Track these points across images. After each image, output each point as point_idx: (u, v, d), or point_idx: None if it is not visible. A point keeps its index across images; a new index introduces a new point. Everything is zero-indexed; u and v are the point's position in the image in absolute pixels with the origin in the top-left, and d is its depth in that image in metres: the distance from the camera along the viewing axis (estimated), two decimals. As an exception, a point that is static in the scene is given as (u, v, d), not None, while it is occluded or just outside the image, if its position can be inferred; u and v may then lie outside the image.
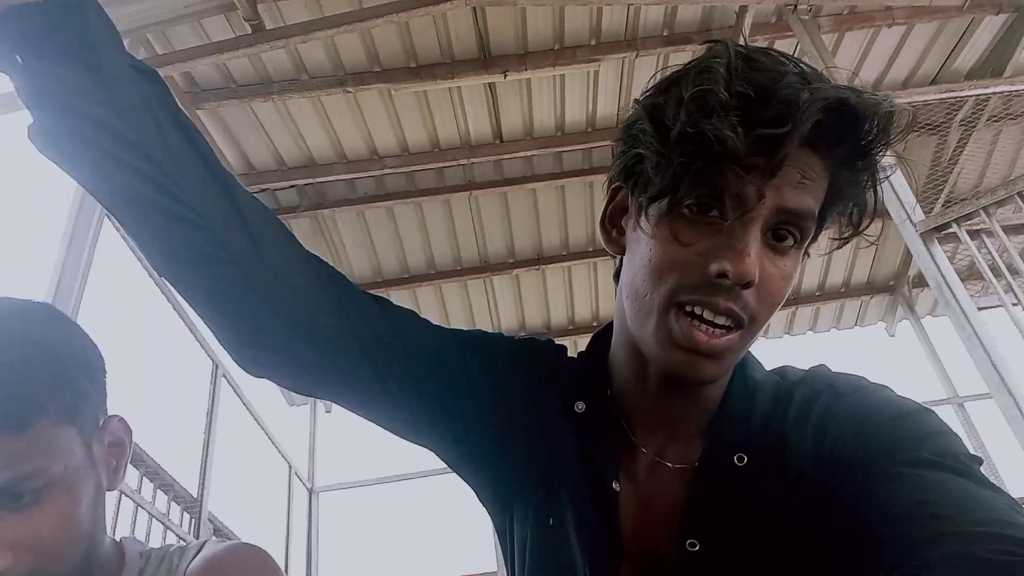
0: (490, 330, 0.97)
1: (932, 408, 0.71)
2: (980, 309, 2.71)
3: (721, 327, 0.67)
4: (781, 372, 0.82)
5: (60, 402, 0.78)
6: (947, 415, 5.84)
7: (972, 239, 2.87)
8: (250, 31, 3.73)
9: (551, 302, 6.60)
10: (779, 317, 6.91)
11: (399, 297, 6.16)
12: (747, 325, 0.69)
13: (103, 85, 0.64)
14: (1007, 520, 0.55)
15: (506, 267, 6.18)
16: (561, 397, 0.84)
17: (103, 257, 3.24)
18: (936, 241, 2.81)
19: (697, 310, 0.67)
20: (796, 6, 3.90)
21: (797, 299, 6.79)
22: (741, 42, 0.71)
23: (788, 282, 0.70)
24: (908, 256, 6.37)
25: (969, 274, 4.13)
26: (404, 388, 0.82)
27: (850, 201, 0.72)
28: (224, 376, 4.55)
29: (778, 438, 0.74)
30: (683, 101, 0.65)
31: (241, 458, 4.84)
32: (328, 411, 6.85)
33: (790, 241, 0.69)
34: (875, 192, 0.72)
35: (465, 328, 0.91)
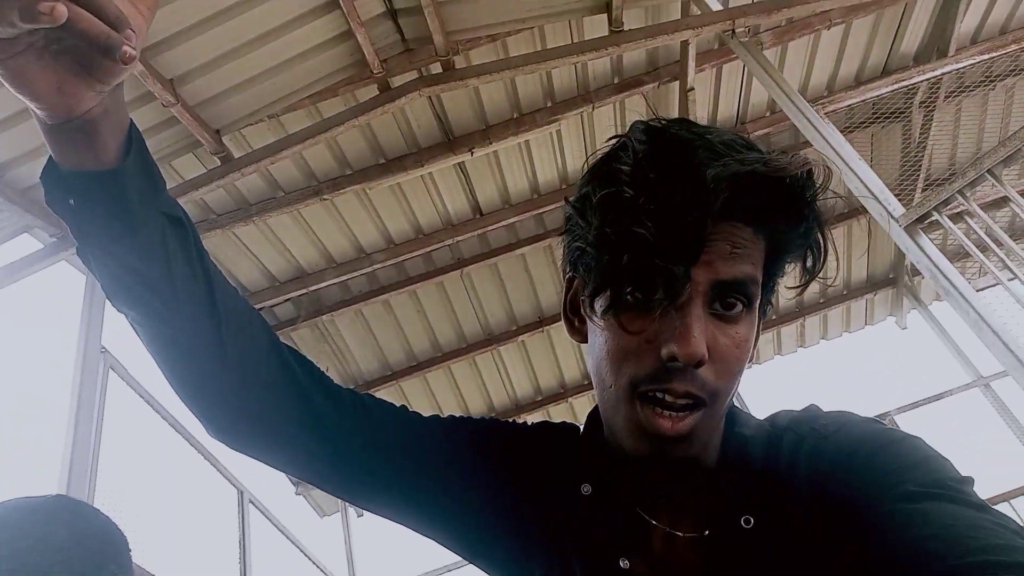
0: (503, 408, 0.96)
1: (920, 437, 0.72)
2: (979, 290, 2.70)
3: (683, 409, 0.68)
4: (772, 420, 0.83)
5: None
6: (975, 399, 5.77)
7: (956, 223, 2.88)
8: (219, 163, 3.82)
9: (562, 361, 6.59)
10: (789, 332, 6.88)
11: (411, 386, 6.18)
12: (708, 402, 0.69)
13: (129, 231, 0.67)
14: (1002, 545, 0.55)
15: (510, 335, 6.20)
16: (568, 481, 0.84)
17: (113, 408, 3.25)
18: (921, 232, 2.83)
19: (658, 396, 0.68)
20: (734, 30, 4.00)
21: (802, 310, 6.78)
22: (653, 114, 0.74)
23: (744, 348, 0.71)
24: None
25: (964, 255, 4.13)
26: (410, 485, 0.84)
27: (799, 251, 0.73)
28: (251, 502, 4.51)
29: (776, 492, 0.75)
30: (593, 206, 0.69)
31: (281, 577, 4.76)
32: (360, 515, 6.75)
33: (738, 308, 0.70)
34: (823, 237, 0.72)
35: (469, 416, 0.93)
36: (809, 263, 0.74)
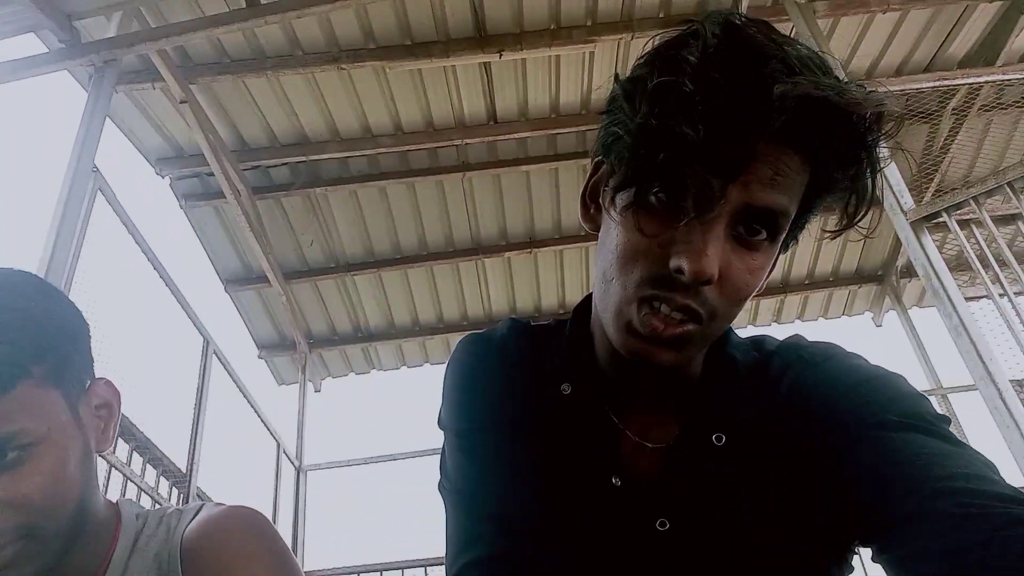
0: (475, 319, 0.93)
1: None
2: (967, 299, 2.74)
3: (678, 322, 0.66)
4: (759, 345, 0.83)
5: (42, 365, 0.80)
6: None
7: (961, 229, 2.89)
8: (245, 5, 3.69)
9: (543, 286, 6.61)
10: (768, 305, 6.96)
11: (390, 278, 6.19)
12: (706, 320, 0.67)
13: None
14: (971, 473, 0.57)
15: (498, 250, 6.18)
16: (551, 377, 0.83)
17: (96, 230, 3.23)
18: (926, 230, 2.83)
19: (655, 304, 0.66)
20: (793, -9, 3.89)
21: (786, 287, 6.83)
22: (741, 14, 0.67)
23: (757, 276, 0.68)
24: (897, 246, 6.41)
25: (957, 265, 4.17)
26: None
27: (842, 193, 0.68)
28: (215, 353, 4.55)
29: (756, 414, 0.75)
30: (646, 91, 0.64)
31: (230, 435, 4.86)
32: (318, 390, 6.87)
33: (762, 235, 0.66)
34: (872, 184, 0.67)
35: (447, 391, 0.90)
36: (849, 208, 0.68)
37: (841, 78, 0.64)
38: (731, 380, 0.78)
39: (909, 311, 6.74)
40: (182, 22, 3.85)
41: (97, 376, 0.91)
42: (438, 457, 0.93)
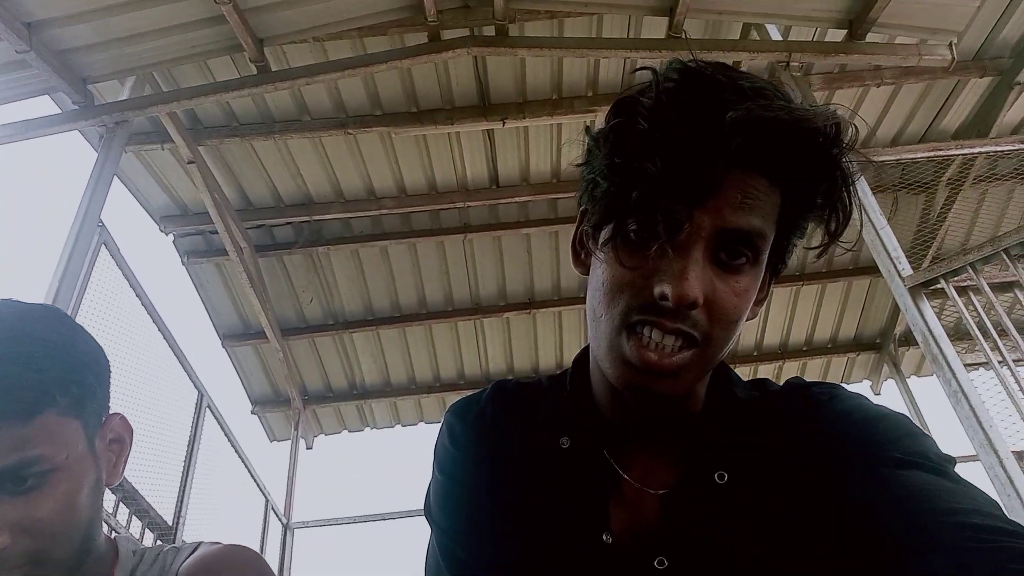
0: (472, 378, 0.92)
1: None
2: (967, 366, 2.74)
3: (673, 348, 0.67)
4: (761, 385, 0.83)
5: (67, 395, 0.82)
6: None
7: (960, 296, 2.91)
8: (255, 72, 3.80)
9: (541, 346, 6.61)
10: (766, 371, 6.94)
11: (389, 336, 6.20)
12: (701, 343, 0.68)
13: None
14: (976, 509, 0.57)
15: (497, 310, 6.21)
16: (548, 432, 0.83)
17: (98, 283, 3.25)
18: (924, 296, 2.85)
19: (646, 331, 0.67)
20: (788, 63, 4.01)
21: (784, 353, 6.84)
22: (695, 56, 0.70)
23: (744, 298, 0.69)
24: (895, 314, 6.44)
25: (956, 333, 4.18)
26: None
27: (821, 211, 0.70)
28: (208, 407, 4.52)
29: (760, 453, 0.75)
30: (605, 135, 0.68)
31: (219, 489, 4.78)
32: (310, 447, 6.79)
33: (743, 260, 0.68)
34: (848, 197, 0.69)
35: (437, 450, 0.88)
36: (832, 226, 0.70)
37: (794, 101, 0.66)
38: (733, 417, 0.78)
39: (908, 380, 6.72)
40: (193, 87, 3.96)
41: (112, 411, 0.93)
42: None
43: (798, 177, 0.67)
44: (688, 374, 0.70)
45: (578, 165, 0.78)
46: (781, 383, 0.85)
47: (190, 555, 0.93)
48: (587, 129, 0.76)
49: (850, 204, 0.69)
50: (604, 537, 0.75)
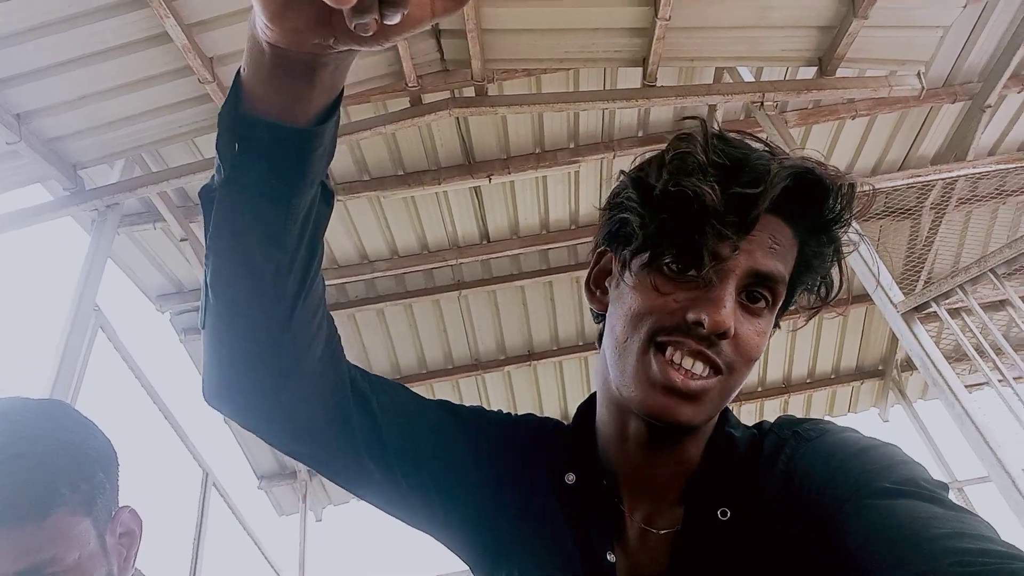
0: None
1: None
2: (968, 387, 2.74)
3: (697, 372, 0.71)
4: (758, 426, 0.85)
5: (77, 493, 0.82)
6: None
7: (954, 318, 2.93)
8: (243, 146, 3.86)
9: (544, 397, 6.58)
10: (772, 406, 6.90)
11: (391, 399, 6.14)
12: (725, 372, 0.72)
13: (292, 192, 0.63)
14: (969, 533, 0.57)
15: (497, 364, 6.20)
16: (553, 469, 0.85)
17: (97, 365, 3.25)
18: (918, 321, 2.87)
19: (675, 357, 0.70)
20: (763, 103, 4.09)
21: (788, 387, 6.81)
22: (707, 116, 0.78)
23: (762, 340, 0.74)
24: (895, 340, 6.44)
25: (956, 356, 4.19)
26: (399, 470, 0.81)
27: (817, 274, 0.78)
28: (214, 485, 4.47)
29: (756, 489, 0.76)
30: (664, 163, 0.72)
31: (230, 568, 4.70)
32: (319, 520, 6.68)
33: (762, 303, 0.73)
34: (840, 267, 0.78)
35: (459, 403, 0.92)
36: (822, 292, 0.79)
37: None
38: (731, 457, 0.80)
39: (914, 404, 6.68)
40: (181, 165, 4.02)
41: (121, 504, 0.93)
42: None
43: (814, 233, 0.75)
44: (708, 402, 0.73)
45: (604, 209, 0.82)
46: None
47: None
48: (623, 172, 0.80)
49: (841, 275, 0.79)
50: (608, 556, 0.78)
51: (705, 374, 0.71)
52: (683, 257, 0.71)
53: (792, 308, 0.81)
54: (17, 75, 3.14)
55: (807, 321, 0.82)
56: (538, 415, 0.96)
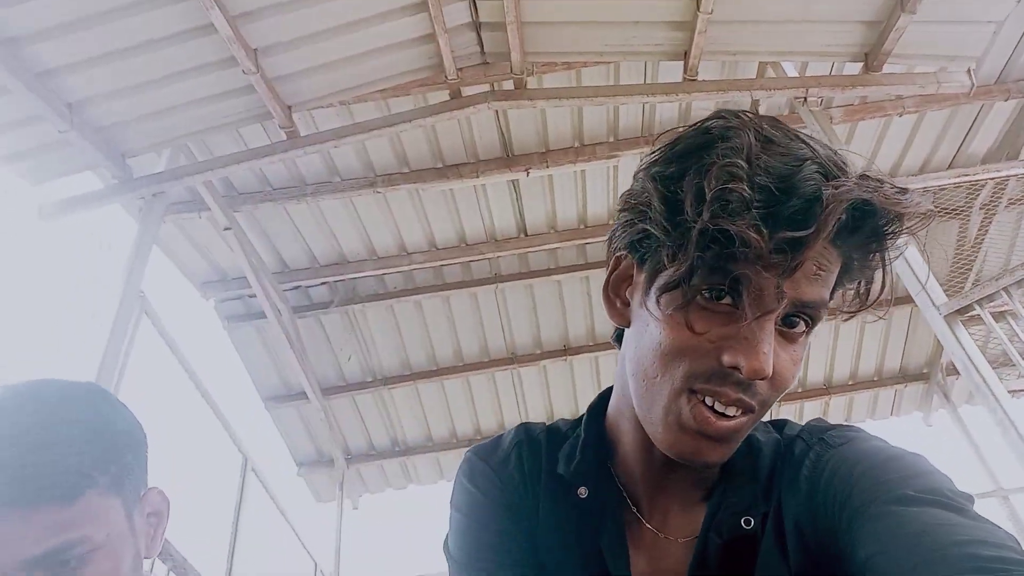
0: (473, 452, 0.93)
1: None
2: (1012, 392, 2.66)
3: (731, 415, 0.68)
4: (779, 428, 0.83)
5: (107, 475, 0.84)
6: (991, 508, 5.61)
7: (998, 321, 2.85)
8: (285, 138, 3.94)
9: (579, 392, 6.56)
10: (812, 408, 6.78)
11: (427, 389, 6.22)
12: (756, 410, 0.69)
13: None
14: (990, 542, 0.55)
15: (534, 358, 6.21)
16: (563, 484, 0.84)
17: (142, 350, 3.35)
18: (961, 324, 2.80)
19: (708, 400, 0.67)
20: (806, 98, 4.02)
21: (829, 389, 6.68)
22: (751, 110, 0.71)
23: (798, 366, 0.70)
24: (940, 342, 6.27)
25: (1003, 361, 4.07)
26: None
27: (860, 279, 0.72)
28: (253, 470, 4.57)
29: (778, 496, 0.75)
30: (704, 197, 0.63)
31: (267, 553, 4.80)
32: (356, 508, 6.78)
33: (801, 327, 0.69)
34: (884, 270, 0.71)
35: (455, 496, 0.89)
36: (862, 291, 0.73)
37: (861, 175, 0.67)
38: (757, 463, 0.78)
39: (959, 409, 6.50)
40: (226, 155, 4.11)
41: (150, 485, 0.96)
42: None
43: (865, 248, 0.68)
44: (738, 440, 0.71)
45: (623, 210, 0.75)
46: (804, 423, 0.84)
47: None
48: (643, 173, 0.73)
49: (885, 276, 0.72)
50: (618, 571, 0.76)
51: (739, 414, 0.69)
52: (730, 294, 0.66)
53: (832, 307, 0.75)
54: (69, 64, 3.24)
55: (848, 318, 0.76)
56: (525, 423, 0.94)
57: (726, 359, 0.65)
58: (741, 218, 0.61)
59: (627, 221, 0.74)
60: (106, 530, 0.83)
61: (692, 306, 0.67)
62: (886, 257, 0.70)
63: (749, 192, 0.61)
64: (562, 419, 0.95)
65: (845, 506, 0.67)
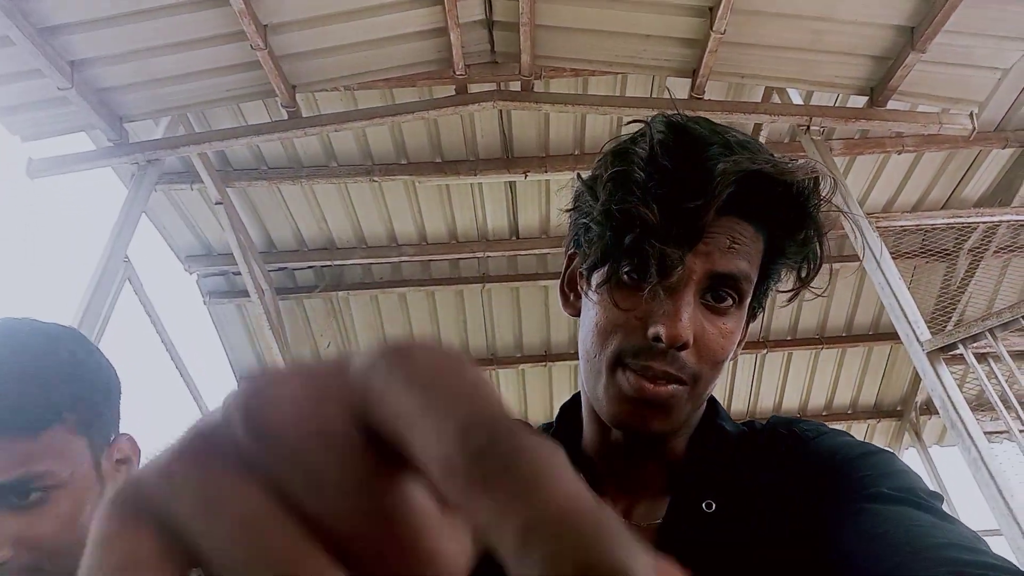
0: None
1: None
2: (988, 435, 2.68)
3: (664, 382, 0.70)
4: (749, 422, 0.85)
5: (74, 413, 0.83)
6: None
7: (980, 363, 2.88)
8: (286, 117, 3.91)
9: (556, 397, 6.56)
10: (785, 433, 6.81)
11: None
12: (689, 383, 0.71)
13: None
14: (962, 544, 0.56)
15: (513, 361, 6.20)
16: None
17: (121, 315, 3.31)
18: (943, 362, 2.82)
19: (640, 373, 0.70)
20: (808, 127, 4.05)
21: (802, 416, 6.73)
22: (680, 112, 0.75)
23: (730, 339, 0.73)
24: (916, 381, 6.34)
25: (979, 404, 4.11)
26: None
27: (796, 257, 0.75)
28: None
29: (745, 483, 0.75)
30: (603, 181, 0.72)
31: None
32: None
33: (728, 302, 0.72)
34: (820, 247, 0.75)
35: None
36: (803, 273, 0.76)
37: (775, 155, 0.72)
38: (721, 449, 0.79)
39: (929, 449, 6.57)
40: (225, 129, 4.08)
41: (121, 432, 0.94)
42: None
43: (780, 225, 0.72)
44: (678, 411, 0.73)
45: (567, 211, 0.82)
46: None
47: None
48: (579, 176, 0.79)
49: (821, 253, 0.75)
50: None
51: (671, 382, 0.71)
52: (637, 270, 0.71)
53: (776, 288, 0.80)
54: (74, 23, 3.19)
55: (790, 300, 0.79)
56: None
57: (650, 331, 0.69)
58: (634, 197, 0.68)
59: (572, 220, 0.80)
60: (70, 468, 0.82)
61: (618, 284, 0.72)
62: (810, 234, 0.73)
63: (641, 174, 0.68)
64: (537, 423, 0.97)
65: (817, 499, 0.68)
